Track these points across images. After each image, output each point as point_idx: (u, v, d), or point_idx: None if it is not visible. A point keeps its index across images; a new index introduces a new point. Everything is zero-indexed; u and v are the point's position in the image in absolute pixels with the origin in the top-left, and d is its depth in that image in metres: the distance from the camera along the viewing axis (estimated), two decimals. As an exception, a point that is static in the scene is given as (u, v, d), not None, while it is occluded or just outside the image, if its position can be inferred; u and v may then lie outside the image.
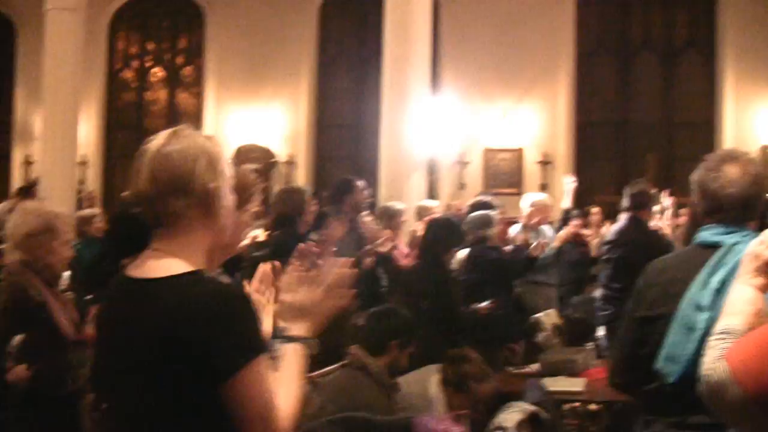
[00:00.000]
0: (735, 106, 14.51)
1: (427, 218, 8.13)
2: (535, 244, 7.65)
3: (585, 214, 10.66)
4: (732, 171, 2.95)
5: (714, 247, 2.90)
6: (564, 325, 7.57)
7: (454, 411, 4.64)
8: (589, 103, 15.37)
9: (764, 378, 1.93)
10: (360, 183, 7.54)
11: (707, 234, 2.99)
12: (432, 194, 14.29)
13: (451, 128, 14.07)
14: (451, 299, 6.39)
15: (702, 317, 2.75)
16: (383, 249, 7.52)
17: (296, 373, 2.18)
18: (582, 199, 13.87)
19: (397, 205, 8.82)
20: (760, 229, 3.58)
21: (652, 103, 15.29)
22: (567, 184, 9.66)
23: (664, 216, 7.70)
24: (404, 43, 11.43)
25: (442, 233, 6.81)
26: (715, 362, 2.04)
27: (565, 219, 9.47)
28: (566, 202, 9.53)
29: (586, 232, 10.06)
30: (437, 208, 9.53)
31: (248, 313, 2.11)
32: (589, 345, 6.82)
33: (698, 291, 2.82)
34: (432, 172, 14.20)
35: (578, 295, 9.34)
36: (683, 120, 15.17)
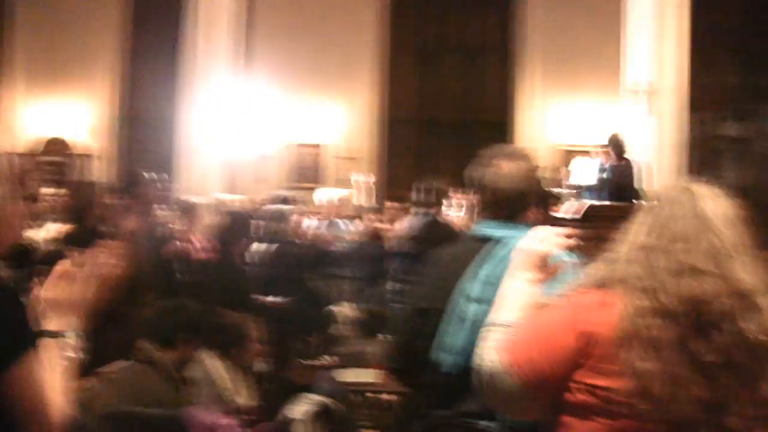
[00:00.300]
0: (529, 107, 15.10)
1: (220, 212, 8.12)
2: (331, 240, 7.76)
3: (382, 209, 10.86)
4: (506, 167, 3.06)
5: (487, 240, 3.00)
6: (359, 317, 7.74)
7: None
8: (391, 101, 15.58)
9: (534, 366, 2.02)
10: (150, 176, 7.44)
11: (482, 227, 3.09)
12: (233, 188, 14.23)
13: (254, 122, 14.04)
14: (242, 291, 6.40)
15: (472, 308, 2.83)
16: (179, 242, 7.48)
17: (58, 367, 2.15)
18: (381, 194, 14.18)
19: (194, 198, 8.76)
20: (543, 223, 3.79)
21: (453, 101, 15.72)
22: (366, 181, 9.83)
23: (457, 211, 7.97)
24: (208, 37, 11.35)
25: (231, 226, 6.83)
26: (488, 354, 2.12)
27: (364, 214, 9.65)
28: (364, 198, 9.71)
29: (382, 226, 10.26)
30: (233, 201, 9.51)
31: (15, 306, 2.07)
32: (383, 337, 6.97)
33: (469, 283, 2.90)
34: (233, 165, 14.13)
35: (374, 288, 9.56)
36: (482, 118, 15.65)
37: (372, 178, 9.73)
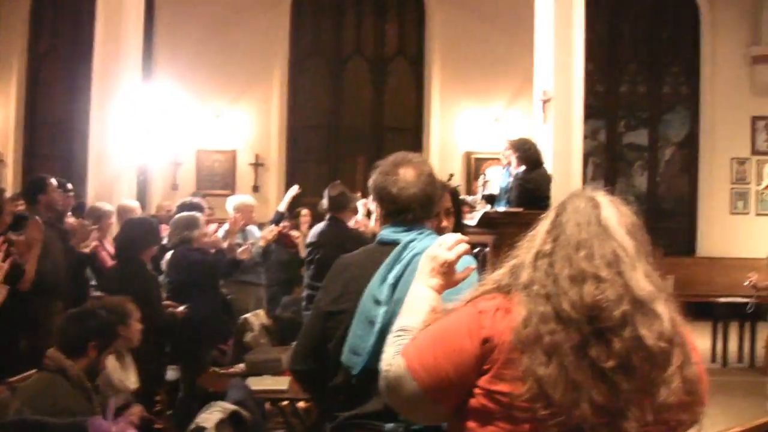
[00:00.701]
0: (440, 113, 15.27)
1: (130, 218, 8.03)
2: (243, 248, 7.75)
3: (295, 216, 10.89)
4: (408, 173, 3.11)
5: (393, 244, 3.04)
6: (272, 325, 7.73)
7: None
8: (301, 107, 15.64)
9: (437, 372, 2.05)
10: (54, 182, 7.33)
11: (387, 232, 3.13)
12: (143, 195, 14.08)
13: (164, 128, 13.93)
14: (150, 299, 6.35)
15: (380, 311, 2.87)
16: (89, 249, 7.40)
17: None
18: (293, 201, 14.18)
19: (106, 205, 8.66)
20: (454, 230, 3.87)
21: (362, 108, 15.80)
22: (291, 191, 9.82)
23: (365, 217, 8.03)
24: (116, 40, 11.21)
25: (137, 233, 6.77)
26: (392, 358, 2.15)
27: (278, 220, 9.65)
28: (282, 205, 9.71)
29: (295, 233, 10.29)
30: (138, 208, 9.43)
31: None
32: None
33: (377, 286, 2.94)
34: (143, 172, 13.98)
35: (288, 295, 9.57)
36: (392, 125, 15.78)
37: (299, 190, 9.73)
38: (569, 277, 2.01)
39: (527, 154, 8.28)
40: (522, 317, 2.00)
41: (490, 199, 8.58)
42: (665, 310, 2.02)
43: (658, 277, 2.09)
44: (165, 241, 7.68)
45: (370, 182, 3.21)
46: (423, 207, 3.12)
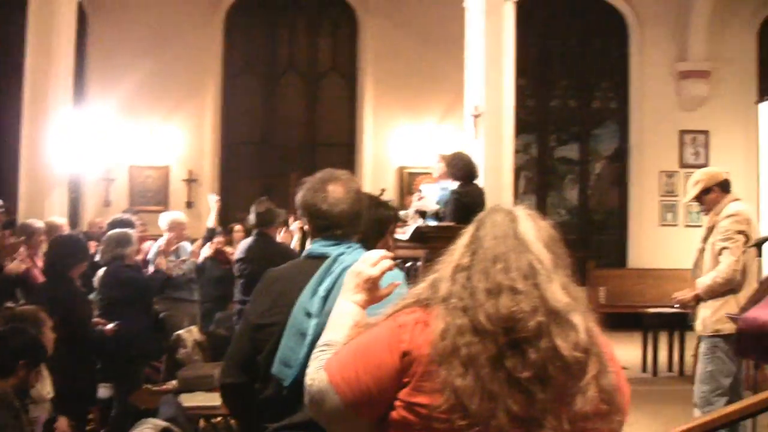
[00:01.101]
0: (373, 128, 15.33)
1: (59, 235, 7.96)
2: (174, 263, 7.73)
3: (228, 232, 10.87)
4: (337, 190, 3.17)
5: (323, 257, 3.09)
6: (206, 341, 7.71)
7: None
8: (234, 123, 15.59)
9: (359, 385, 2.09)
10: None
11: (316, 246, 3.19)
12: (76, 211, 13.93)
13: (96, 144, 13.80)
14: (79, 317, 6.30)
15: (312, 323, 2.92)
16: (19, 267, 7.32)
17: None
18: (226, 216, 14.14)
19: (37, 222, 8.56)
20: (385, 244, 3.90)
21: (295, 123, 15.80)
22: (211, 203, 9.81)
23: (297, 233, 8.07)
24: (46, 56, 11.12)
25: (64, 251, 6.72)
26: (315, 373, 2.19)
27: (210, 237, 9.63)
28: (211, 220, 9.69)
29: (229, 249, 10.26)
30: (65, 225, 9.35)
31: None
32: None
33: (308, 299, 2.98)
34: (75, 188, 13.83)
35: (222, 311, 9.53)
36: (325, 141, 15.81)
37: (218, 201, 9.70)
38: (486, 290, 2.06)
39: (459, 168, 8.35)
40: (439, 330, 2.04)
41: (423, 214, 8.65)
42: (581, 321, 2.08)
43: (575, 288, 2.14)
44: (97, 258, 7.62)
45: (298, 199, 3.25)
46: (352, 223, 3.18)
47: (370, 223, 3.49)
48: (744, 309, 3.17)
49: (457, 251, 2.19)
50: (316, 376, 2.18)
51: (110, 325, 6.70)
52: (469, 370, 1.98)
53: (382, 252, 2.48)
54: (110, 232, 7.50)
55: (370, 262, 2.42)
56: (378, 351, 2.10)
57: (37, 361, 4.59)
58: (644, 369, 10.60)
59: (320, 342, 2.31)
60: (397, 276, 2.70)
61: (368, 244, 3.25)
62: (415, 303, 2.17)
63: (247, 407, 3.22)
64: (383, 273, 2.42)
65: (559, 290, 2.08)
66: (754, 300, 3.15)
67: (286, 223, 8.59)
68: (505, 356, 2.00)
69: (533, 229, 2.16)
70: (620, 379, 2.15)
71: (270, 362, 3.02)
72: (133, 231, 7.70)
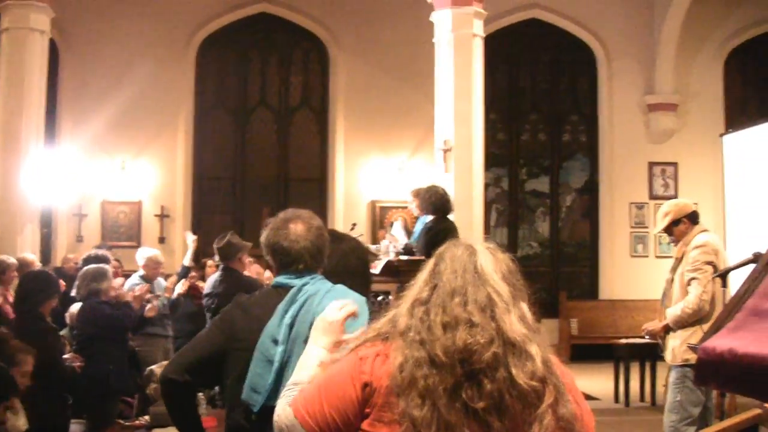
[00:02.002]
0: (344, 163, 15.40)
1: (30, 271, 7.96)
2: (149, 306, 7.76)
3: (201, 267, 10.86)
4: (299, 228, 3.31)
5: (288, 287, 3.22)
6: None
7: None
8: (206, 158, 15.62)
9: (322, 417, 2.17)
10: None
11: (281, 278, 3.32)
12: (48, 247, 13.88)
13: (68, 180, 13.78)
14: (50, 352, 6.28)
15: (278, 350, 3.04)
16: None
17: None
18: (199, 252, 14.12)
19: (9, 258, 8.55)
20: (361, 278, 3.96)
21: (267, 158, 15.83)
22: (189, 241, 9.82)
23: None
24: (18, 92, 11.16)
25: (34, 286, 6.71)
26: (282, 410, 2.27)
27: (184, 274, 9.64)
28: (187, 258, 9.71)
29: (201, 284, 10.24)
30: (36, 260, 9.35)
31: None
32: (200, 395, 6.96)
33: (275, 326, 3.10)
34: (47, 224, 13.80)
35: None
36: (297, 175, 15.84)
37: (195, 240, 9.73)
38: (443, 324, 2.12)
39: (432, 202, 8.43)
40: (398, 363, 2.11)
41: (397, 249, 8.76)
42: (538, 351, 2.13)
43: (533, 320, 2.20)
44: (73, 293, 7.60)
45: (262, 239, 3.39)
46: (313, 257, 3.31)
47: (337, 257, 3.59)
48: (704, 338, 3.24)
49: (416, 285, 2.26)
50: (281, 412, 2.26)
51: (77, 363, 6.68)
52: (427, 401, 2.04)
53: (347, 301, 2.57)
54: (86, 267, 7.50)
55: (338, 307, 2.52)
56: (340, 383, 2.18)
57: (6, 396, 4.57)
58: (616, 399, 10.66)
59: (288, 382, 2.40)
60: (364, 312, 2.80)
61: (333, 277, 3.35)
62: (375, 336, 2.24)
63: (182, 407, 3.32)
64: (346, 317, 2.49)
65: (516, 321, 2.14)
66: (713, 329, 3.22)
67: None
68: (461, 387, 2.06)
69: (492, 262, 2.22)
70: (581, 408, 2.18)
71: (238, 388, 3.10)
72: (108, 266, 7.71)
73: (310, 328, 2.99)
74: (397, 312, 2.24)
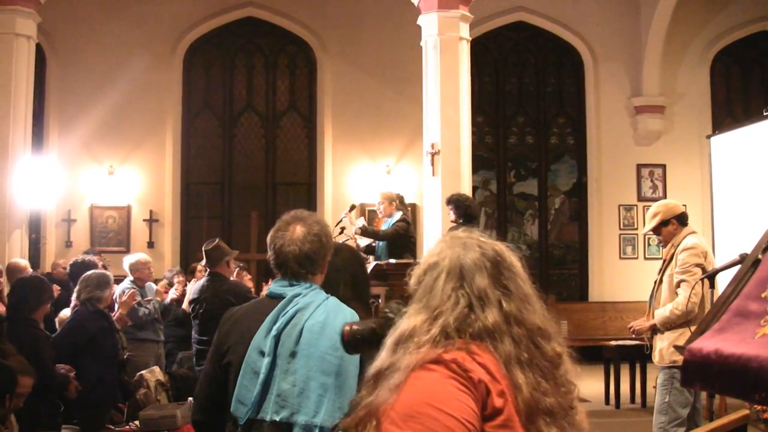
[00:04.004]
0: (332, 166, 15.40)
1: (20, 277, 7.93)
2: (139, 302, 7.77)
3: (190, 272, 10.86)
4: (297, 231, 3.26)
5: (280, 297, 3.19)
6: (168, 381, 7.69)
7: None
8: (194, 162, 15.61)
9: None
10: None
11: (274, 286, 3.28)
12: (36, 252, 13.84)
13: (56, 185, 13.75)
14: (43, 359, 6.27)
15: (264, 362, 3.01)
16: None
17: None
18: (188, 256, 14.12)
19: (-3, 264, 8.56)
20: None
21: (255, 163, 15.82)
22: (175, 244, 9.82)
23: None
24: (5, 98, 11.13)
25: (28, 293, 6.69)
26: None
27: (173, 277, 9.64)
28: (174, 260, 9.72)
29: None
30: (27, 266, 9.33)
31: None
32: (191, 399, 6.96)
33: (262, 338, 3.08)
34: (36, 230, 13.77)
35: (184, 351, 9.52)
36: (285, 180, 15.83)
37: (178, 240, 9.74)
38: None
39: (465, 208, 8.72)
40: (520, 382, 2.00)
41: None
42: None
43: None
44: (73, 298, 7.56)
45: (269, 236, 3.35)
46: (300, 264, 3.24)
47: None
48: (690, 339, 3.26)
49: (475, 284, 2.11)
50: None
51: (72, 374, 6.64)
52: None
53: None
54: (89, 273, 7.40)
55: None
56: (455, 396, 1.93)
57: (11, 393, 4.56)
58: (607, 401, 10.67)
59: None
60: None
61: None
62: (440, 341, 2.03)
63: None
64: None
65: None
66: (699, 330, 3.24)
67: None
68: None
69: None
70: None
71: (229, 400, 3.09)
72: (101, 272, 7.69)
73: (296, 343, 3.03)
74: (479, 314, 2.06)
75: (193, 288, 8.10)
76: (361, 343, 2.38)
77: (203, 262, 7.80)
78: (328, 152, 15.42)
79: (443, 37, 11.63)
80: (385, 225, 9.53)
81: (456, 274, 2.09)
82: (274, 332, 3.05)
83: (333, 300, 3.18)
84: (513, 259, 2.15)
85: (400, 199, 9.74)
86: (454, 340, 2.00)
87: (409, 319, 2.07)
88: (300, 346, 3.04)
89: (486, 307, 2.05)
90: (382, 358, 2.06)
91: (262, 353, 3.04)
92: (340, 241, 4.54)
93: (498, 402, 1.94)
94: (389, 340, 2.08)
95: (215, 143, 15.78)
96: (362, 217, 10.87)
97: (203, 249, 7.74)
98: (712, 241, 11.25)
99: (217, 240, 7.73)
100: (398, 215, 9.40)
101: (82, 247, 13.60)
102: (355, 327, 2.40)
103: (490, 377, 1.95)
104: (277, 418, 2.97)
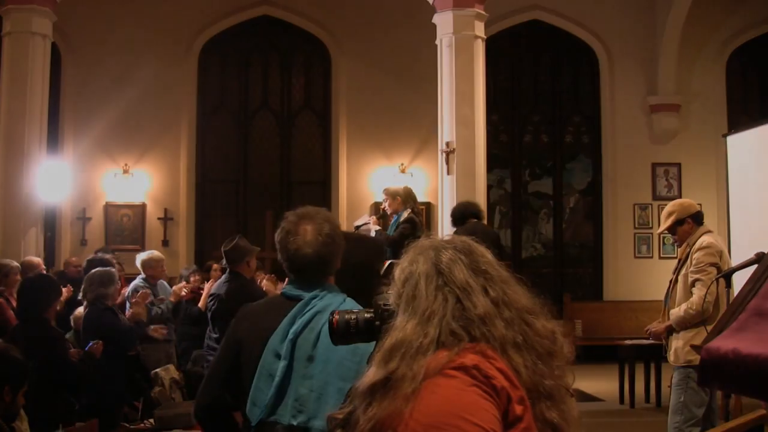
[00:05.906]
0: (347, 165, 15.41)
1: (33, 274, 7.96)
2: (154, 327, 7.81)
3: (206, 270, 10.87)
4: (308, 233, 3.15)
5: (297, 299, 3.11)
6: (182, 379, 7.71)
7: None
8: (209, 161, 15.64)
9: None
10: None
11: (290, 288, 3.20)
12: (51, 250, 13.89)
13: (71, 184, 13.81)
14: (57, 357, 6.28)
15: (280, 365, 2.96)
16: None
17: None
18: (202, 255, 14.13)
19: (12, 262, 8.58)
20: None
21: (270, 161, 15.85)
22: (189, 242, 9.84)
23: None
24: (21, 97, 11.17)
25: (37, 292, 6.68)
26: None
27: (188, 275, 9.65)
28: (188, 258, 9.73)
29: (206, 287, 10.25)
30: (41, 263, 9.37)
31: None
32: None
33: (279, 341, 3.01)
34: (51, 227, 13.82)
35: (199, 350, 9.53)
36: (300, 178, 15.85)
37: (193, 239, 9.75)
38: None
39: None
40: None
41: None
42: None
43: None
44: (79, 297, 7.58)
45: (276, 235, 3.25)
46: (318, 268, 3.16)
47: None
48: (707, 339, 3.23)
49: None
50: None
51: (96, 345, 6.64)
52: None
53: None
54: (93, 271, 7.44)
55: None
56: (479, 403, 1.87)
57: (21, 383, 4.56)
58: (621, 401, 10.64)
59: None
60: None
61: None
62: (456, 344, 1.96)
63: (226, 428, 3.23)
64: None
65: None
66: (717, 330, 3.21)
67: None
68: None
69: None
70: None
71: (243, 400, 3.04)
72: (112, 270, 7.70)
73: (313, 347, 2.96)
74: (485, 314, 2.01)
75: (215, 284, 8.09)
76: (354, 335, 2.20)
77: (223, 262, 7.75)
78: (342, 151, 15.43)
79: (458, 36, 11.63)
80: (393, 222, 9.50)
81: (434, 275, 2.05)
82: (290, 336, 2.99)
83: (350, 302, 3.09)
84: (482, 248, 2.13)
85: (407, 191, 9.66)
86: (462, 342, 1.94)
87: (398, 332, 1.99)
88: (317, 351, 2.97)
89: (473, 296, 2.01)
90: (372, 371, 1.96)
91: (278, 356, 2.98)
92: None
93: (518, 409, 1.89)
94: (377, 354, 1.99)
95: (230, 142, 15.80)
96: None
97: (223, 248, 7.72)
98: (728, 241, 11.19)
99: (236, 239, 7.63)
100: (405, 212, 9.34)
101: (96, 245, 13.63)
102: (347, 316, 2.20)
103: (509, 384, 1.90)
104: (295, 423, 2.91)
